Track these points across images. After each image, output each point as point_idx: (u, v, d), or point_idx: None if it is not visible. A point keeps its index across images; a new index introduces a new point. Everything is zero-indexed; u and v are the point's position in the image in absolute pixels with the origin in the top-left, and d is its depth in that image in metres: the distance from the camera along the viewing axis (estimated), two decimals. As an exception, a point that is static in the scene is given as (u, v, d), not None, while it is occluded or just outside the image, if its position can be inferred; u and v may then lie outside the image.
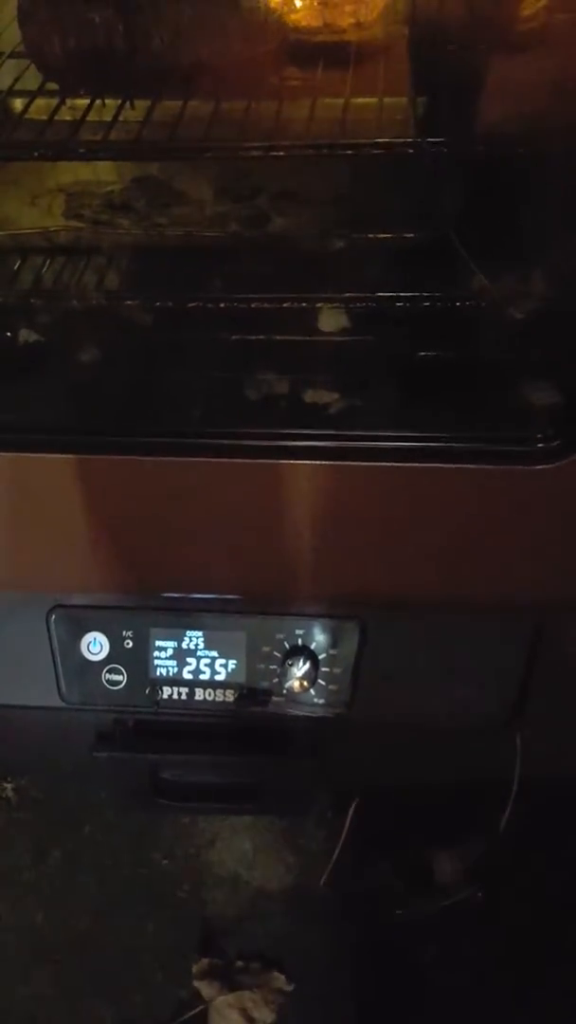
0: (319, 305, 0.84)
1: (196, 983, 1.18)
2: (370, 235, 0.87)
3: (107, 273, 0.95)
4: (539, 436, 0.79)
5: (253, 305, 0.81)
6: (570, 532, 0.84)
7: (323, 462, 0.82)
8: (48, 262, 0.95)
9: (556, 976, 1.19)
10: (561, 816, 1.27)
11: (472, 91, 0.86)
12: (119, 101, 0.91)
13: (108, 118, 0.92)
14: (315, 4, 0.91)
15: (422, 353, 0.86)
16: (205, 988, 1.17)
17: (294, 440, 0.82)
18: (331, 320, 0.88)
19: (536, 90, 0.78)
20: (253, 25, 0.89)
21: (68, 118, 0.95)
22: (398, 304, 0.83)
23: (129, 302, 0.83)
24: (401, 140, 0.75)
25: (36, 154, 0.82)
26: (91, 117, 0.95)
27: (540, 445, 0.79)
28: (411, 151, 0.74)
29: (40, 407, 0.87)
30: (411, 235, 0.86)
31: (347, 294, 0.86)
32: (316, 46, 0.92)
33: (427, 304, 0.82)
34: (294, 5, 0.91)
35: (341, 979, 1.19)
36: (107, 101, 0.93)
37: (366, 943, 1.22)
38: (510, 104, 0.81)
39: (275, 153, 0.75)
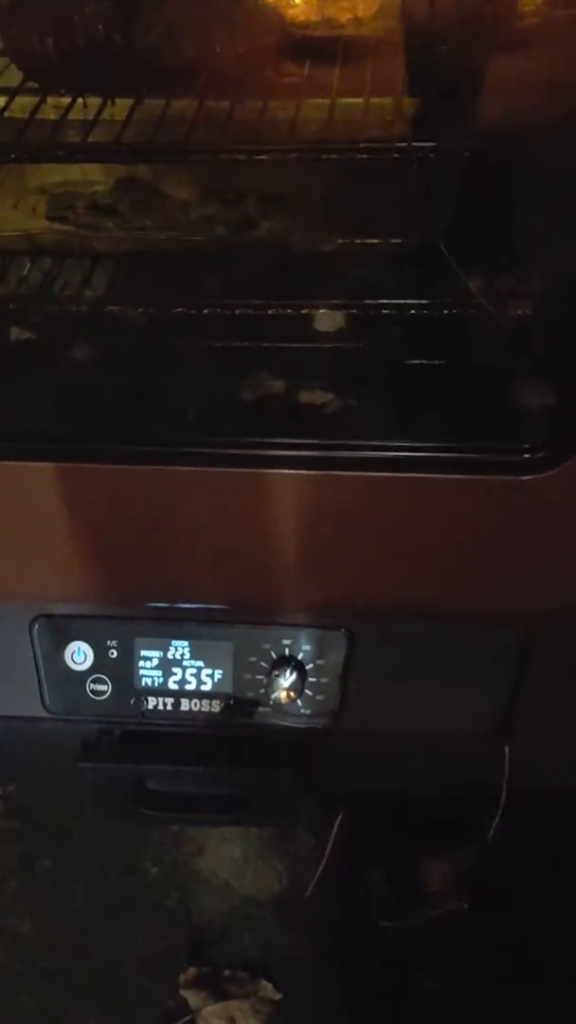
0: (304, 312, 0.83)
1: (183, 992, 1.17)
2: (357, 240, 0.85)
3: (92, 277, 0.94)
4: (527, 446, 0.78)
5: (238, 312, 0.80)
6: (558, 542, 0.83)
7: (310, 472, 0.81)
8: (31, 265, 0.93)
9: (545, 984, 1.18)
10: (551, 825, 1.26)
11: (465, 91, 0.85)
12: (102, 100, 0.89)
13: (91, 117, 0.91)
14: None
15: (410, 360, 0.84)
16: (192, 997, 1.16)
17: (280, 450, 0.80)
18: (328, 320, 0.87)
19: (530, 90, 0.77)
20: (247, 20, 0.87)
21: (52, 117, 0.94)
22: (384, 312, 0.82)
23: (112, 308, 0.81)
24: (387, 143, 0.74)
25: (13, 156, 0.80)
26: (74, 115, 0.94)
27: (527, 456, 0.78)
28: (396, 155, 0.72)
29: (23, 413, 0.86)
30: (399, 241, 0.84)
31: (334, 300, 0.84)
32: (311, 42, 0.90)
33: (413, 312, 0.81)
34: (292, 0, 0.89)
35: (330, 988, 1.19)
36: (90, 100, 0.91)
37: (355, 951, 1.21)
38: (503, 105, 0.80)
39: (258, 157, 0.74)
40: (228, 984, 1.18)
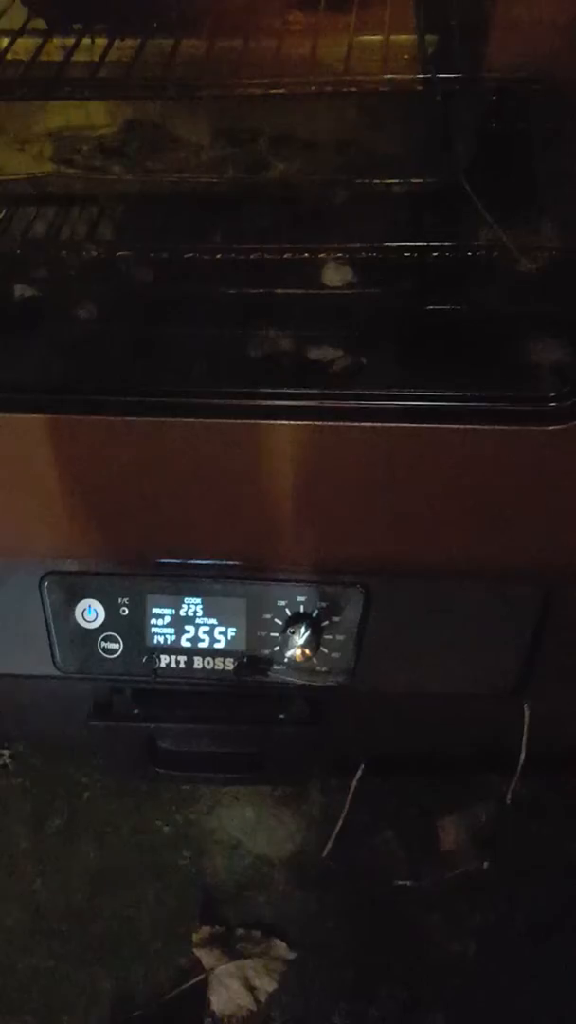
0: (322, 256, 0.80)
1: (196, 951, 1.16)
2: (376, 181, 0.82)
3: (100, 223, 0.91)
4: (551, 395, 0.75)
5: (252, 257, 0.77)
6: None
7: (323, 422, 0.78)
8: (38, 212, 0.90)
9: (561, 945, 1.18)
10: (571, 783, 1.25)
11: (485, 25, 0.81)
12: (108, 39, 0.86)
13: (97, 58, 0.88)
14: None
15: (430, 307, 0.81)
16: (206, 956, 1.16)
17: (294, 399, 0.78)
18: (336, 274, 0.84)
19: (553, 21, 0.74)
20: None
21: (57, 58, 0.91)
22: (405, 254, 0.79)
23: (123, 254, 0.78)
24: (410, 77, 0.70)
25: (18, 94, 0.77)
26: (80, 57, 0.90)
27: (552, 404, 0.75)
28: (420, 88, 0.69)
29: (31, 366, 0.84)
30: (419, 181, 0.81)
31: (352, 244, 0.81)
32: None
33: (436, 255, 0.78)
34: None
35: (343, 947, 1.18)
36: (96, 40, 0.88)
37: (369, 911, 1.20)
38: (525, 38, 0.76)
39: (275, 91, 0.71)
40: (241, 943, 1.17)
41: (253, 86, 0.73)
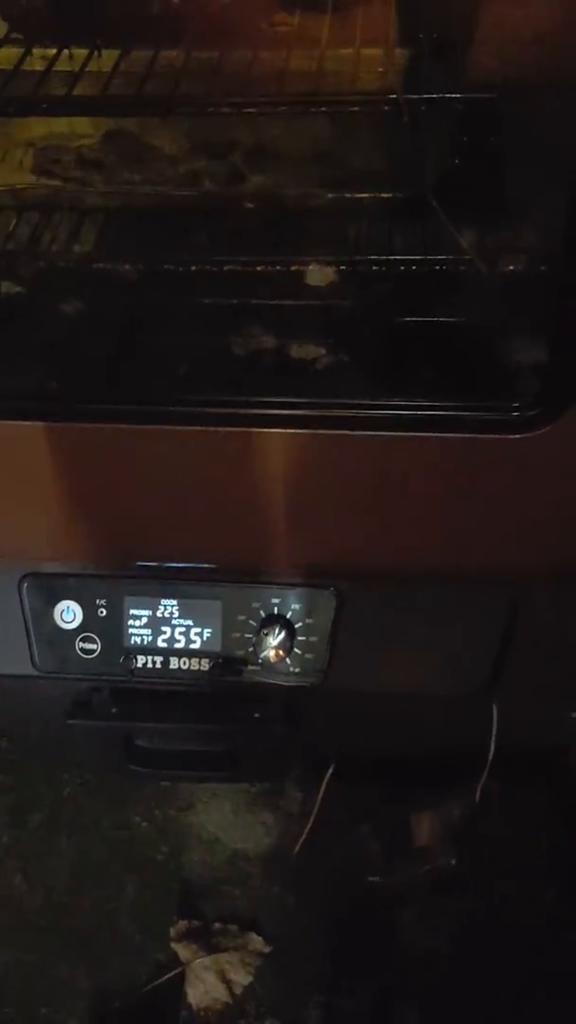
0: (293, 268, 0.82)
1: (174, 945, 1.18)
2: (347, 194, 0.84)
3: (80, 233, 0.92)
4: (518, 405, 0.77)
5: (227, 268, 0.79)
6: (547, 501, 0.82)
7: (298, 430, 0.80)
8: (16, 221, 0.92)
9: (534, 939, 1.20)
10: (539, 780, 1.28)
11: (455, 42, 0.83)
12: (88, 51, 0.88)
13: (78, 68, 0.89)
14: None
15: (400, 318, 0.83)
16: (183, 950, 1.18)
17: (268, 408, 0.80)
18: (319, 275, 0.86)
19: (519, 40, 0.75)
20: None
21: (38, 67, 0.92)
22: (374, 268, 0.81)
23: (100, 265, 0.80)
24: (377, 95, 0.72)
25: (-3, 111, 0.79)
26: (61, 66, 0.92)
27: (518, 414, 0.77)
28: (387, 108, 0.71)
29: (8, 371, 0.85)
30: (389, 195, 0.83)
31: (323, 256, 0.83)
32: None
33: (403, 268, 0.80)
34: None
35: (319, 941, 1.20)
36: (76, 51, 0.90)
37: (344, 905, 1.23)
38: (493, 56, 0.78)
39: (246, 110, 0.72)
40: (218, 937, 1.19)
41: (226, 104, 0.75)
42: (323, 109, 0.72)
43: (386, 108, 0.72)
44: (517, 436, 0.78)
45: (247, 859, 1.28)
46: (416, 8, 0.90)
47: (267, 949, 1.18)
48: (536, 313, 0.79)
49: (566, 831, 1.26)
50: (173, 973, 1.17)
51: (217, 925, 1.20)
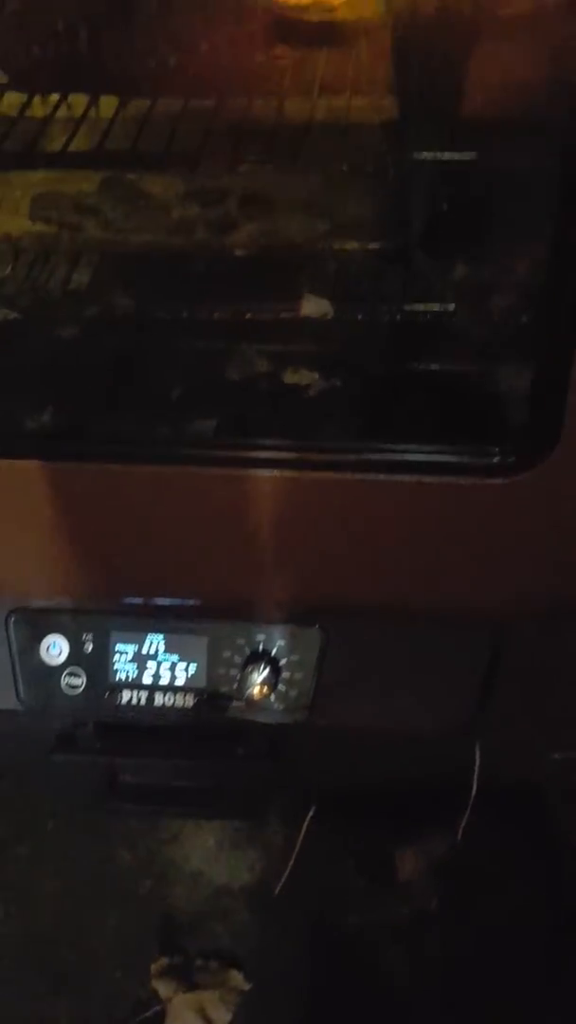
0: (283, 316, 0.84)
1: (154, 982, 1.18)
2: (335, 245, 0.86)
3: (74, 277, 0.94)
4: (497, 451, 0.79)
5: (216, 316, 0.81)
6: (527, 545, 0.84)
7: (283, 472, 0.82)
8: (14, 264, 0.94)
9: (518, 976, 1.20)
10: (524, 817, 1.28)
11: (446, 92, 0.85)
12: (88, 99, 0.90)
13: (78, 115, 0.92)
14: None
15: (387, 363, 0.85)
16: (163, 987, 1.18)
17: (254, 451, 0.81)
18: (314, 306, 0.88)
19: (502, 94, 0.78)
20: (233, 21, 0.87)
21: (40, 113, 0.95)
22: (359, 316, 0.83)
23: (90, 311, 0.82)
24: (362, 153, 0.75)
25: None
26: (61, 112, 0.94)
27: (498, 460, 0.79)
28: (371, 168, 0.73)
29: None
30: (376, 245, 0.85)
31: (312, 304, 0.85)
32: (300, 29, 0.89)
33: (387, 316, 0.82)
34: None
35: (300, 978, 1.20)
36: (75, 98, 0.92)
37: (326, 943, 1.23)
38: (485, 105, 0.80)
39: (237, 167, 0.75)
40: (199, 974, 1.19)
41: (218, 160, 0.77)
42: (310, 166, 0.74)
43: (371, 168, 0.74)
44: (496, 481, 0.80)
45: (230, 893, 1.29)
46: (403, 58, 0.92)
47: (247, 986, 1.18)
48: (517, 362, 0.81)
49: (549, 868, 1.27)
50: (153, 1011, 1.16)
51: (198, 961, 1.21)
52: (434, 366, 0.86)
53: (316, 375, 0.86)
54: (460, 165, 0.82)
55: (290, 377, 0.87)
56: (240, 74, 0.90)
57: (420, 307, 0.83)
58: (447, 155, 0.76)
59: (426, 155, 0.76)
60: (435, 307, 0.85)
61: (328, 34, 0.89)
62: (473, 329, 0.84)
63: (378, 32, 0.88)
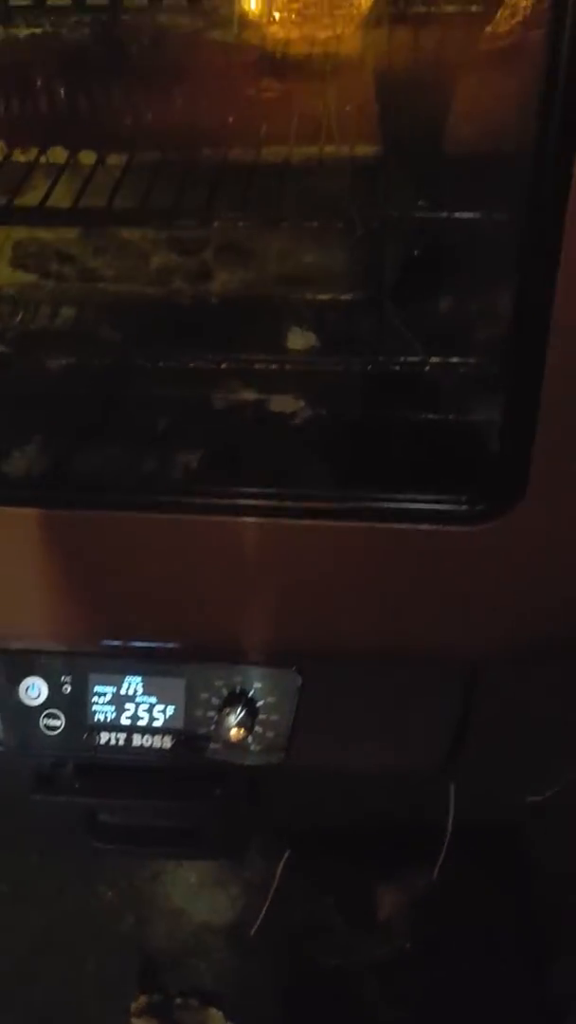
0: (257, 367, 0.85)
1: (134, 1020, 1.18)
2: (308, 295, 0.88)
3: (51, 323, 0.96)
4: (465, 499, 0.80)
5: (192, 365, 0.82)
6: (497, 591, 0.85)
7: (258, 519, 0.83)
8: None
9: (497, 1014, 1.20)
10: (501, 855, 1.29)
11: (423, 138, 0.87)
12: (68, 153, 0.92)
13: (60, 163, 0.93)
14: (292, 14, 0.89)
15: (358, 413, 0.87)
16: (142, 1026, 1.18)
17: (228, 498, 0.83)
18: (300, 339, 0.89)
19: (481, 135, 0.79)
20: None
21: (21, 159, 0.97)
22: (336, 367, 0.85)
23: (63, 362, 0.84)
24: (331, 210, 0.77)
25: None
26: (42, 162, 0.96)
27: (467, 508, 0.80)
28: (340, 225, 0.75)
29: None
30: (348, 297, 0.87)
31: (284, 357, 0.87)
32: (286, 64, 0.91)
33: (357, 367, 0.84)
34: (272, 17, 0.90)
35: (281, 1017, 1.20)
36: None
37: (305, 982, 1.23)
38: (455, 153, 0.82)
39: (209, 224, 0.77)
40: (178, 1012, 1.19)
41: (191, 219, 0.79)
42: (283, 222, 0.76)
43: (340, 225, 0.76)
44: (465, 529, 0.82)
45: (212, 931, 1.29)
46: (384, 109, 0.94)
47: (226, 1025, 1.18)
48: (485, 411, 0.83)
49: (525, 907, 1.27)
50: (132, 1050, 1.17)
51: (179, 999, 1.21)
52: (405, 414, 0.88)
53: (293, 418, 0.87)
54: (427, 220, 0.84)
55: (273, 412, 0.88)
56: (215, 129, 0.92)
57: (390, 356, 0.85)
58: (417, 211, 0.77)
59: (394, 211, 0.78)
60: (404, 357, 0.87)
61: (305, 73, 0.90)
62: (441, 378, 0.86)
63: (353, 74, 0.90)
